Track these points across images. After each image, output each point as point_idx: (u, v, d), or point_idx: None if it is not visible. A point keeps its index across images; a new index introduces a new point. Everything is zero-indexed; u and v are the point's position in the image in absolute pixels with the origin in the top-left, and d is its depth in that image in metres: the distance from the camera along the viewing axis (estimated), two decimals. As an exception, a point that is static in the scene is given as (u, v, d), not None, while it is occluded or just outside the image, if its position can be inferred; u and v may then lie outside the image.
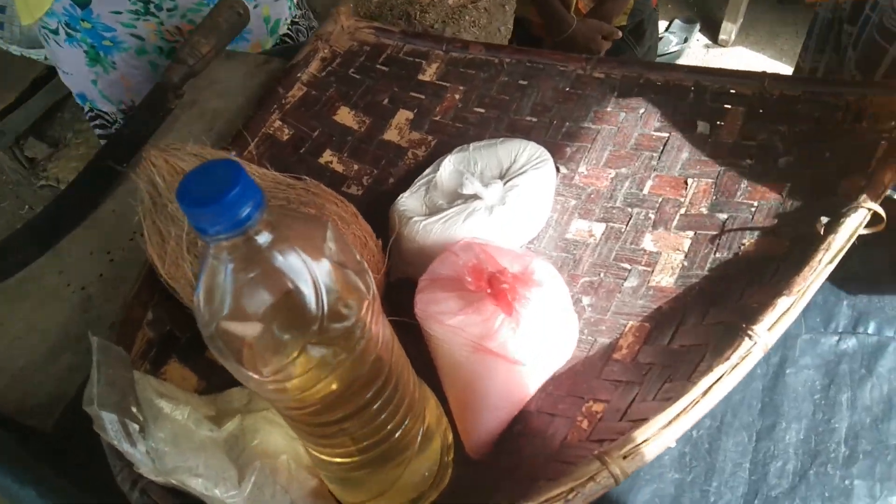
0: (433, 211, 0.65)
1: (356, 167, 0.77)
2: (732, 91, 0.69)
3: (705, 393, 0.45)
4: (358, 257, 0.41)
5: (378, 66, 0.85)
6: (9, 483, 0.57)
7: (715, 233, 0.61)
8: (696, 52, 2.25)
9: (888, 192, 0.52)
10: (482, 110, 0.78)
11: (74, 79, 1.08)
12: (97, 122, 1.13)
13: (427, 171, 0.70)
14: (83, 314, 0.69)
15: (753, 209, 0.60)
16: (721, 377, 0.45)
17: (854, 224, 0.50)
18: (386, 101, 0.82)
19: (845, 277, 0.55)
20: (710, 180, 0.64)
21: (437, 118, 0.79)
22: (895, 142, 0.55)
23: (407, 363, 0.48)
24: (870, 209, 0.51)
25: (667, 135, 0.69)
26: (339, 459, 0.46)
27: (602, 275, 0.62)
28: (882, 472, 0.49)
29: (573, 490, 0.42)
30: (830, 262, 0.49)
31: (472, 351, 0.53)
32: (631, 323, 0.58)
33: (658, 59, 1.78)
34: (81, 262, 0.73)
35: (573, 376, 0.57)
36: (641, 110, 0.71)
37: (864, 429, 0.51)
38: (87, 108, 1.12)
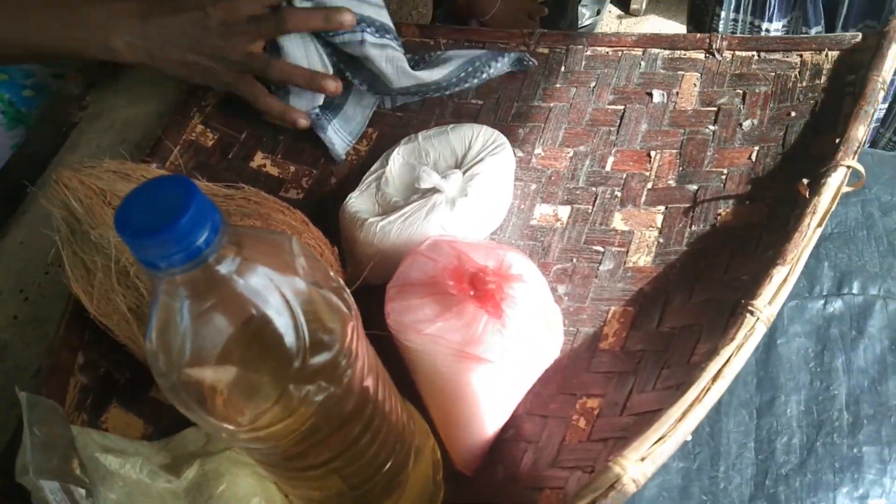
0: (388, 209, 0.60)
1: (293, 169, 0.70)
2: (684, 55, 0.66)
3: (715, 378, 0.42)
4: (331, 272, 0.35)
5: (304, 58, 0.78)
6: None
7: (687, 205, 0.58)
8: (610, 23, 2.26)
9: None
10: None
11: None
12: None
13: (375, 166, 0.64)
14: (-2, 364, 0.60)
15: (724, 176, 0.58)
16: (729, 359, 0.42)
17: (836, 183, 0.49)
18: (317, 93, 0.75)
19: (821, 238, 0.54)
20: (674, 151, 0.62)
21: (375, 109, 0.73)
22: (860, 96, 0.53)
23: (391, 383, 0.43)
24: (849, 166, 0.49)
25: (622, 107, 0.66)
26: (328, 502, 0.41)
27: (574, 260, 0.59)
28: (888, 434, 0.48)
29: (594, 502, 0.38)
30: (819, 225, 0.47)
31: (455, 359, 0.48)
32: (613, 308, 0.55)
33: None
34: (-10, 305, 0.64)
35: (560, 372, 0.53)
36: (592, 83, 0.68)
37: (864, 392, 0.50)
38: None
